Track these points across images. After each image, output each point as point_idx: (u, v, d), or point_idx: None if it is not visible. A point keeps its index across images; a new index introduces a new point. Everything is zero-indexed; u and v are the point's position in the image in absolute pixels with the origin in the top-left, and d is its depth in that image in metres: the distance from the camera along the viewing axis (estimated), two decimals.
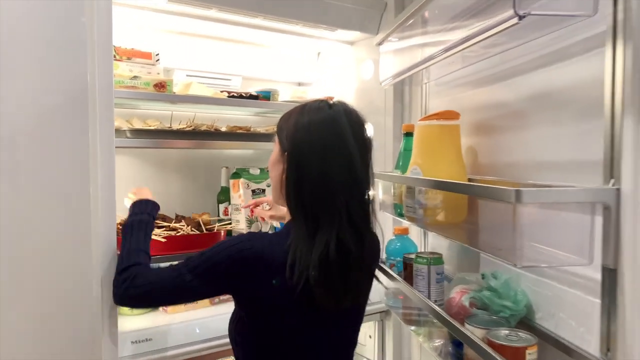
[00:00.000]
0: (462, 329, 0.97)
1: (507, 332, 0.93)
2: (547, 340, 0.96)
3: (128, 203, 1.26)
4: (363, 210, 0.99)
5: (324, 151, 0.96)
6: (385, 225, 1.59)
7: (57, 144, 1.06)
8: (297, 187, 0.97)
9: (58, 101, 1.06)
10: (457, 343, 1.08)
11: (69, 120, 1.07)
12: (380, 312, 1.75)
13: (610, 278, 0.80)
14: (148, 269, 1.06)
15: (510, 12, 0.80)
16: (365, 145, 1.01)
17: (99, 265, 1.11)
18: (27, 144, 1.03)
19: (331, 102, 1.05)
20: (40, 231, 1.04)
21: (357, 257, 0.95)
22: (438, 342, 1.18)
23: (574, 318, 0.92)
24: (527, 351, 0.87)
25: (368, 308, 1.65)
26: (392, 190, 1.45)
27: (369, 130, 1.72)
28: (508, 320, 1.00)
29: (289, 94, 1.91)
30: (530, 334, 0.92)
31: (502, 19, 0.83)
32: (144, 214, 1.17)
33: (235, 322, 1.03)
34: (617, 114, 0.79)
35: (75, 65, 1.08)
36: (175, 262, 1.03)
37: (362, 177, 0.99)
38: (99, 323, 1.11)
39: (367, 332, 1.85)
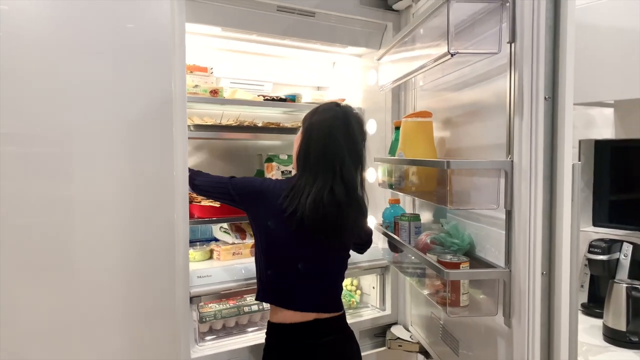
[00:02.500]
0: (424, 256, 1.47)
1: (451, 256, 1.41)
2: (479, 261, 1.45)
3: None
4: (352, 176, 1.46)
5: (328, 130, 1.46)
6: (383, 197, 2.10)
7: (152, 135, 1.58)
8: (306, 153, 1.48)
9: (154, 105, 1.57)
10: (422, 268, 1.58)
11: (160, 118, 1.58)
12: (380, 267, 2.23)
13: (509, 217, 1.29)
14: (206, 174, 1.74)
15: (445, 51, 1.28)
16: (361, 134, 1.53)
17: (179, 225, 1.63)
18: (133, 134, 1.53)
19: (341, 103, 1.57)
20: (141, 196, 1.55)
21: (343, 202, 1.42)
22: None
23: (494, 246, 1.40)
24: (461, 265, 1.36)
25: (370, 263, 2.16)
26: (386, 171, 1.95)
27: (369, 125, 2.24)
28: (456, 252, 1.48)
29: (310, 97, 2.41)
30: (466, 257, 1.41)
31: (441, 55, 1.31)
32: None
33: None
34: (511, 114, 1.27)
35: (165, 80, 1.59)
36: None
37: (355, 154, 1.48)
38: (178, 265, 1.64)
39: (371, 284, 2.35)
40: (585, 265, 2.08)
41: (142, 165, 1.55)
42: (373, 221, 2.20)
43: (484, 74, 1.45)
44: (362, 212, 1.56)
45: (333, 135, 1.45)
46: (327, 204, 1.40)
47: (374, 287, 2.33)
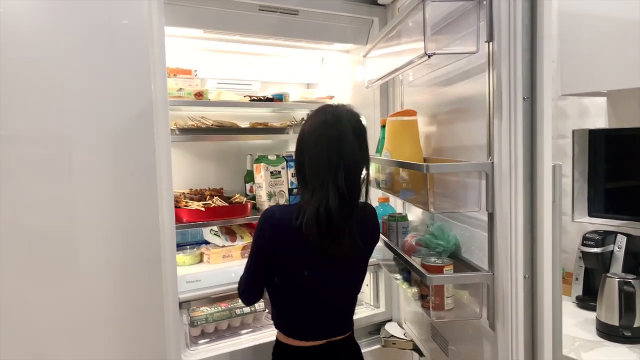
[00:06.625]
0: (408, 259, 1.45)
1: (435, 258, 1.40)
2: (464, 264, 1.43)
3: None
4: (352, 183, 1.31)
5: (318, 138, 1.31)
6: (375, 196, 2.08)
7: (133, 140, 1.56)
8: (300, 167, 1.37)
9: (134, 109, 1.55)
10: (408, 271, 1.56)
11: (140, 123, 1.56)
12: (373, 264, 2.22)
13: (490, 219, 1.27)
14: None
15: (422, 52, 1.25)
16: (359, 134, 1.35)
17: (164, 230, 1.63)
18: (113, 139, 1.52)
19: (333, 104, 1.42)
20: (123, 202, 1.54)
21: (340, 217, 1.27)
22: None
23: (478, 248, 1.39)
24: (445, 268, 1.34)
25: None
26: (374, 170, 1.93)
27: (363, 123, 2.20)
28: (441, 253, 1.47)
29: (298, 95, 2.39)
30: (450, 260, 1.39)
31: (419, 56, 1.28)
32: None
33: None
34: (491, 115, 1.24)
35: (144, 84, 1.57)
36: None
37: (352, 157, 1.31)
38: (165, 271, 1.63)
39: (365, 281, 2.33)
40: (580, 257, 2.06)
41: (123, 170, 1.54)
42: None
43: (468, 71, 1.42)
44: (367, 218, 1.44)
45: (324, 142, 1.31)
46: (325, 219, 1.27)
47: (367, 285, 2.33)
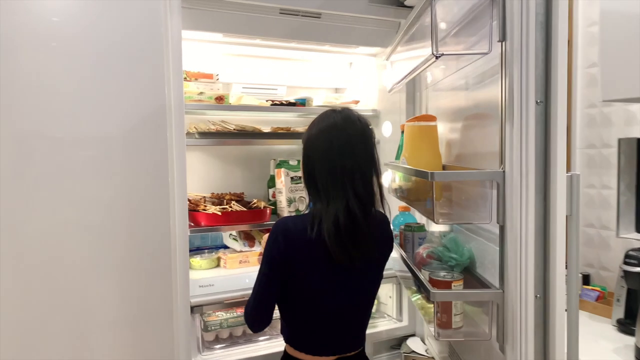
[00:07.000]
0: (417, 272, 1.37)
1: (445, 273, 1.31)
2: (477, 280, 1.33)
3: None
4: (366, 189, 1.25)
5: (328, 144, 1.24)
6: (393, 205, 2.00)
7: (147, 143, 1.57)
8: (310, 175, 1.28)
9: (146, 113, 1.56)
10: (418, 284, 1.48)
11: (153, 126, 1.57)
12: (396, 276, 2.14)
13: (501, 232, 1.17)
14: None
15: (430, 53, 1.18)
16: (363, 140, 1.27)
17: (177, 234, 1.63)
18: (126, 142, 1.53)
19: (339, 108, 1.33)
20: (134, 206, 1.55)
21: (361, 222, 1.22)
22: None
23: (491, 264, 1.29)
24: (453, 284, 1.25)
25: (386, 272, 2.07)
26: (394, 177, 1.85)
27: (384, 127, 2.12)
28: (454, 267, 1.38)
29: (322, 99, 2.35)
30: (461, 275, 1.30)
31: (427, 57, 1.21)
32: None
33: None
34: (504, 120, 1.15)
35: (158, 88, 1.57)
36: None
37: (365, 165, 1.25)
38: (176, 274, 1.64)
39: (388, 293, 2.26)
40: (622, 277, 1.90)
41: (133, 171, 1.55)
42: None
43: (484, 73, 1.33)
44: (380, 226, 1.35)
45: (334, 147, 1.24)
46: (345, 228, 1.21)
47: (390, 297, 2.24)
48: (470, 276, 1.35)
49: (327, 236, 1.20)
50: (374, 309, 2.25)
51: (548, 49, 1.07)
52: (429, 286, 1.24)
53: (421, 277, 1.31)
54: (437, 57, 1.17)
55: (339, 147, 1.24)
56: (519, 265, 1.10)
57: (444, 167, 1.59)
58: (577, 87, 2.28)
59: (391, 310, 2.24)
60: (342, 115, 1.29)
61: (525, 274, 1.10)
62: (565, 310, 1.09)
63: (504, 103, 1.14)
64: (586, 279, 2.20)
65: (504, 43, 1.13)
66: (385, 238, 1.38)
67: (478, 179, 1.18)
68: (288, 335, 1.37)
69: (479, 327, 1.28)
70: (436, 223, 1.20)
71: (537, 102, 1.07)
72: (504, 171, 1.15)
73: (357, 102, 2.29)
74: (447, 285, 1.25)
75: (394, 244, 1.81)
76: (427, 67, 1.26)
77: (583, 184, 2.27)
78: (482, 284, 1.29)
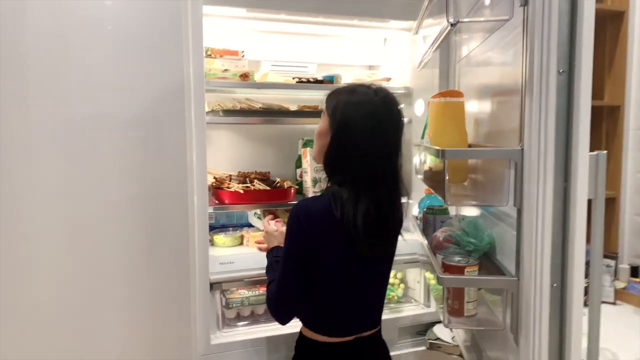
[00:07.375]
0: (431, 255, 1.30)
1: (459, 258, 1.23)
2: (495, 267, 1.24)
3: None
4: (395, 180, 1.22)
5: (370, 129, 1.16)
6: (421, 187, 1.92)
7: (165, 120, 1.57)
8: (337, 155, 1.20)
9: (164, 91, 1.56)
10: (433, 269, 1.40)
11: (171, 104, 1.56)
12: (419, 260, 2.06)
13: (519, 216, 1.08)
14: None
15: (445, 21, 1.09)
16: (398, 127, 1.23)
17: (197, 211, 1.63)
18: (143, 120, 1.54)
19: (376, 87, 1.22)
20: (152, 183, 1.56)
21: (391, 216, 1.22)
22: None
23: (509, 249, 1.19)
24: (467, 269, 1.17)
25: (412, 257, 2.00)
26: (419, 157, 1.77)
27: (417, 106, 2.03)
28: (471, 253, 1.29)
29: (353, 77, 2.27)
30: (477, 260, 1.22)
31: (444, 26, 1.12)
32: (278, 256, 1.42)
33: None
34: (523, 93, 1.05)
35: (176, 65, 1.56)
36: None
37: (395, 154, 1.22)
38: (196, 251, 1.65)
39: (415, 278, 2.18)
40: None
41: (153, 151, 1.55)
42: (416, 210, 2.03)
43: (508, 43, 1.22)
44: (402, 216, 1.32)
45: (377, 134, 1.16)
46: (376, 219, 1.18)
47: (418, 282, 2.17)
48: (490, 262, 1.27)
49: (356, 229, 1.16)
50: (399, 293, 2.19)
51: (574, 12, 0.96)
52: (439, 271, 1.17)
53: (433, 261, 1.24)
54: (452, 25, 1.09)
55: (382, 135, 1.18)
56: (534, 251, 1.01)
57: (469, 147, 1.50)
58: (633, 61, 2.09)
59: (419, 295, 2.17)
60: (385, 100, 1.20)
61: (540, 261, 1.00)
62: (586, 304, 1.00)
63: (524, 74, 1.04)
64: (634, 271, 2.04)
65: (525, 8, 1.03)
66: (400, 221, 1.32)
67: (493, 157, 1.09)
68: (306, 317, 1.35)
69: (494, 316, 1.20)
70: (447, 204, 1.12)
71: (559, 72, 0.97)
72: (522, 149, 1.05)
73: (388, 79, 2.20)
74: (459, 270, 1.17)
75: (417, 226, 1.75)
76: (444, 37, 1.17)
77: (636, 168, 2.10)
78: (500, 271, 1.20)
